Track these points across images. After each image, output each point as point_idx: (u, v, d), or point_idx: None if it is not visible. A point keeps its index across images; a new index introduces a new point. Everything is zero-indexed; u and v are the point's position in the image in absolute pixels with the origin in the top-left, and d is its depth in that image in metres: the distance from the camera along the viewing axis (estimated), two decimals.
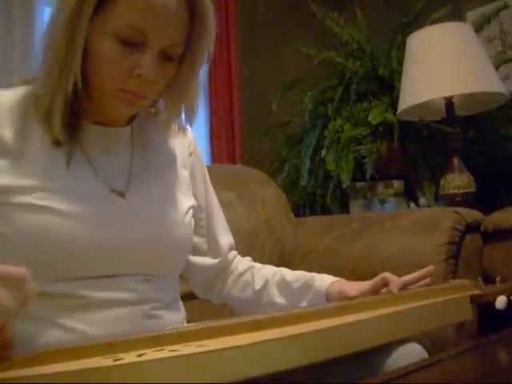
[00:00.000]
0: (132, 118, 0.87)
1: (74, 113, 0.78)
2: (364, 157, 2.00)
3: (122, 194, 0.80)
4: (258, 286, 0.96)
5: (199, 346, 0.54)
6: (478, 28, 2.12)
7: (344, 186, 2.02)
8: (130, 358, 0.50)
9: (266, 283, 0.96)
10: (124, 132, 0.85)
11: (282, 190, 1.91)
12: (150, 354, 0.51)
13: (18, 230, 0.72)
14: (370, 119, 1.99)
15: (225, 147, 2.39)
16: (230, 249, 1.02)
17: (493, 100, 1.92)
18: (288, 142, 2.37)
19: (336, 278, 0.92)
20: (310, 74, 2.35)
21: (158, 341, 0.56)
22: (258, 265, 1.02)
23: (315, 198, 2.21)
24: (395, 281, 0.82)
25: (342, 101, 2.17)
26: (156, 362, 0.48)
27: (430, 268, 0.86)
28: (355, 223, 1.67)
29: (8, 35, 1.92)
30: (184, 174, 0.92)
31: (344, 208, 2.17)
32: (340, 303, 0.75)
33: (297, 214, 1.99)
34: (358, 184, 2.10)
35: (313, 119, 2.24)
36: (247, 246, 1.06)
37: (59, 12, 0.73)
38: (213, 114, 2.40)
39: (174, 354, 0.51)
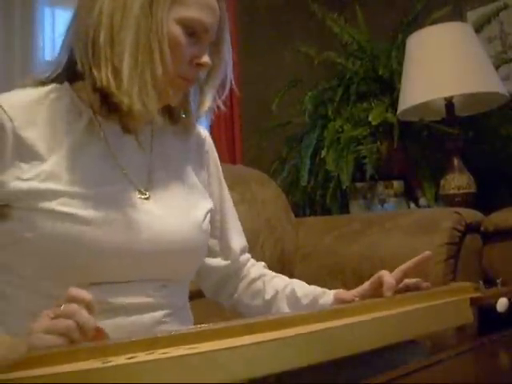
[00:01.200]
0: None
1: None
2: (364, 157, 2.00)
3: (146, 197, 0.80)
4: (268, 297, 0.95)
5: (190, 348, 0.53)
6: (478, 28, 2.12)
7: (344, 187, 2.02)
8: (119, 360, 0.50)
9: (276, 294, 0.94)
10: (144, 131, 0.86)
11: (282, 190, 1.90)
12: (141, 357, 0.51)
13: (42, 236, 0.72)
14: (370, 119, 1.99)
15: (225, 147, 2.39)
16: (243, 251, 1.00)
17: (493, 100, 1.91)
18: (288, 143, 2.37)
19: (341, 291, 0.91)
20: (310, 75, 2.35)
21: (150, 344, 0.55)
22: (270, 273, 1.00)
23: (315, 198, 2.21)
24: (388, 283, 0.81)
25: (342, 101, 2.17)
26: (145, 363, 0.48)
27: (425, 253, 0.85)
28: (355, 223, 1.67)
29: (8, 35, 1.92)
30: (202, 174, 0.93)
31: (344, 208, 2.17)
32: (339, 306, 0.75)
33: (297, 214, 1.99)
34: (358, 184, 2.10)
35: (313, 119, 2.23)
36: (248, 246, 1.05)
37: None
38: (213, 114, 2.40)
39: (163, 356, 0.50)
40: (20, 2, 1.96)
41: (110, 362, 0.49)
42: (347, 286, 0.94)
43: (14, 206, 0.74)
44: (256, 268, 1.01)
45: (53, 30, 2.07)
